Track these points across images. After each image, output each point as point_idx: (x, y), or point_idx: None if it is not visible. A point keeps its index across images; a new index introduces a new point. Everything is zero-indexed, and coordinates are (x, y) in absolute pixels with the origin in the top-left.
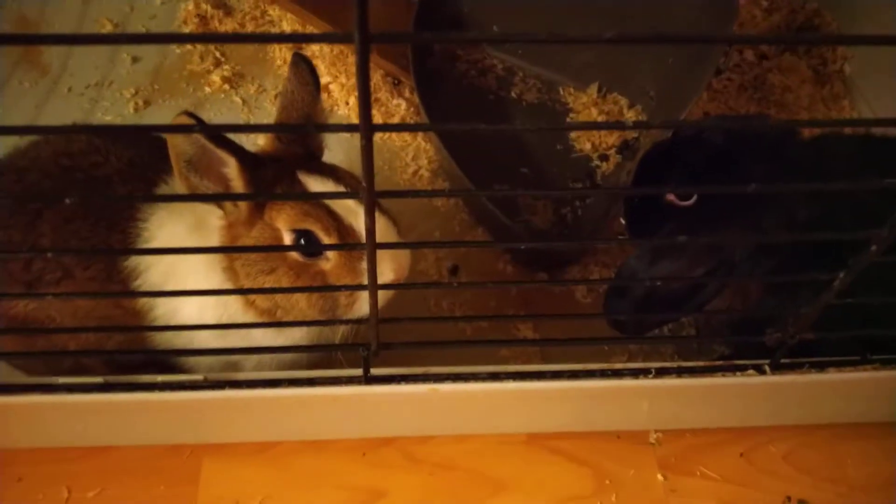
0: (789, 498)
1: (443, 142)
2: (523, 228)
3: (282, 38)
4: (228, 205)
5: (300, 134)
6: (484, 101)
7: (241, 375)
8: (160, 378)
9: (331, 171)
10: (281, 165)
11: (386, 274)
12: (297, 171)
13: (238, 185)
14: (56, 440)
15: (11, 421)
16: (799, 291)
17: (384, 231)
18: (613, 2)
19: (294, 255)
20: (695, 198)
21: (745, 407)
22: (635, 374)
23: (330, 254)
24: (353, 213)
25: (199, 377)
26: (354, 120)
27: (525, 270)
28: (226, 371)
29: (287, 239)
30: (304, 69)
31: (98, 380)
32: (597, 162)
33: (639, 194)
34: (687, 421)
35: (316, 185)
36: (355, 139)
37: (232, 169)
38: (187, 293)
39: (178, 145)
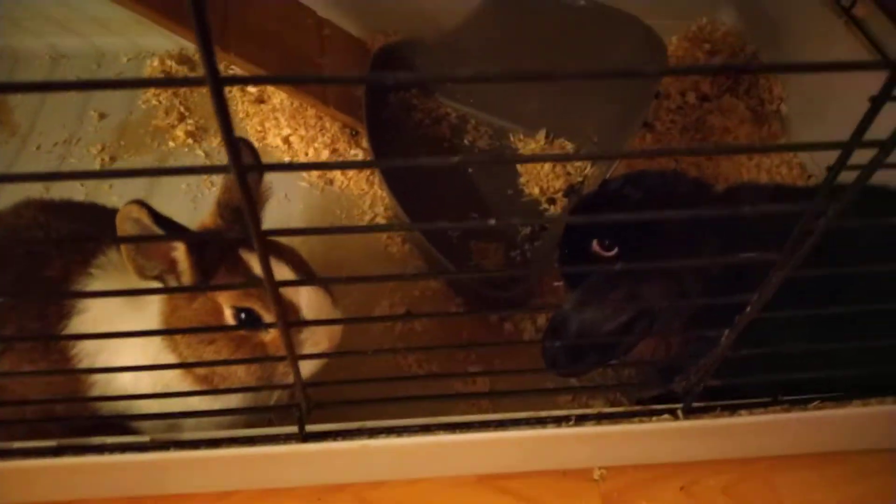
0: None
1: (392, 191)
2: (474, 273)
3: (164, 172)
4: (172, 281)
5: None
6: (438, 148)
7: (186, 435)
8: (109, 440)
9: (272, 249)
10: (224, 243)
11: (321, 343)
12: (238, 249)
13: (185, 266)
14: (19, 497)
15: None
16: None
17: (318, 303)
18: (557, 47)
19: None
20: (616, 249)
21: (681, 443)
22: (558, 421)
23: None
24: (294, 289)
25: (145, 438)
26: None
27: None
28: (169, 431)
29: (228, 314)
30: (248, 153)
31: (51, 443)
32: (545, 205)
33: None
34: (628, 457)
35: (257, 263)
36: (315, 191)
37: (180, 252)
38: (130, 369)
39: (127, 231)
